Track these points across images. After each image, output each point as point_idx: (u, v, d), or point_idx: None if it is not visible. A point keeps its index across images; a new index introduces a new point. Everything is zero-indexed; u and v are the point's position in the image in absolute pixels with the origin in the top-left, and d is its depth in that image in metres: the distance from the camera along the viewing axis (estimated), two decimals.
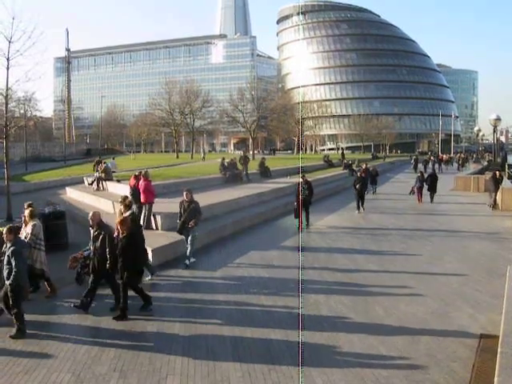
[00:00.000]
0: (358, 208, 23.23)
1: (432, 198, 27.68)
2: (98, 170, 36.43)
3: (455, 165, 68.02)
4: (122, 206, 12.20)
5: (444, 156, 71.66)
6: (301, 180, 19.43)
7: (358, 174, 25.22)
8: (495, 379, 5.72)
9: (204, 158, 63.34)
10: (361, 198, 23.40)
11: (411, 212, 23.86)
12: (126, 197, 13.27)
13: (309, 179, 20.53)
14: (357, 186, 23.39)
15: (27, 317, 8.92)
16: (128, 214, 11.83)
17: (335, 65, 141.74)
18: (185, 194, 13.73)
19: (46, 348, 8.14)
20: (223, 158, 32.93)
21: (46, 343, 8.34)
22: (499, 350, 6.40)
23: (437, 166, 56.55)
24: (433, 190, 27.86)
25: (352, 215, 22.56)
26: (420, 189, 27.67)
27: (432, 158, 64.84)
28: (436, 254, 14.56)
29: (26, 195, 29.58)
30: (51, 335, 8.71)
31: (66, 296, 10.91)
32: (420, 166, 49.39)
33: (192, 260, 13.34)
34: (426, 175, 29.81)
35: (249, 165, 32.56)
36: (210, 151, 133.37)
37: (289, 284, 11.47)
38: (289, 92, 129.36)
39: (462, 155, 75.77)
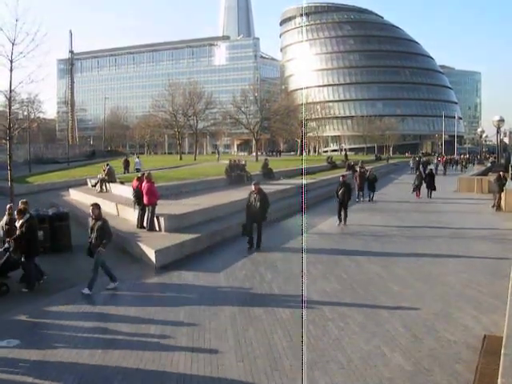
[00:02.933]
0: (339, 218, 19.99)
1: (430, 194, 30.17)
2: (126, 168, 39.26)
3: (455, 166, 67.70)
4: (15, 213, 11.74)
5: (445, 157, 71.11)
6: (252, 188, 15.99)
7: (340, 178, 20.88)
8: (499, 381, 5.69)
9: (219, 158, 64.26)
10: (343, 208, 19.98)
11: (414, 213, 23.83)
12: (22, 202, 12.42)
13: (263, 189, 16.54)
14: (338, 193, 19.89)
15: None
16: (21, 222, 11.46)
17: (338, 66, 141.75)
18: (91, 209, 11.67)
19: (50, 348, 8.16)
20: (230, 160, 32.96)
21: (50, 343, 8.37)
22: (503, 351, 6.37)
23: (440, 167, 56.49)
24: (431, 187, 30.31)
25: (354, 217, 22.51)
26: (418, 186, 30.41)
27: (438, 159, 64.86)
28: (439, 255, 14.52)
29: (29, 197, 29.66)
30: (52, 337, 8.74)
31: (67, 298, 10.95)
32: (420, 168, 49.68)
33: (86, 292, 11.02)
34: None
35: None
36: (213, 152, 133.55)
37: (292, 285, 11.47)
38: (292, 93, 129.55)
39: (464, 156, 75.50)
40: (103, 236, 11.17)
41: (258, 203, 15.28)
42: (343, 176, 21.18)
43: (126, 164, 41.54)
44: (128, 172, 38.60)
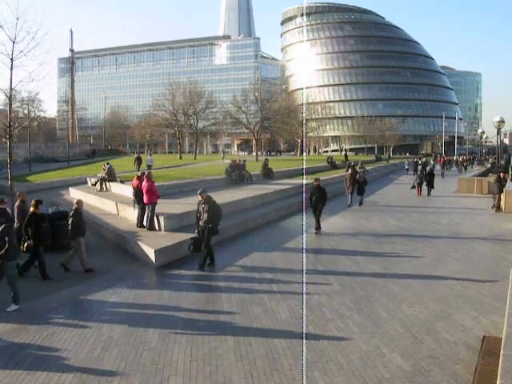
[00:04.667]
0: (317, 226, 18.17)
1: (429, 192, 31.82)
2: (139, 166, 41.23)
3: (454, 167, 67.37)
4: None
5: (442, 158, 70.38)
6: (199, 198, 13.80)
7: (314, 182, 18.82)
8: (498, 381, 5.69)
9: (224, 157, 64.88)
10: (317, 216, 18.14)
11: (414, 214, 23.80)
12: None
13: (213, 198, 13.99)
14: (312, 200, 18.18)
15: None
16: None
17: (339, 66, 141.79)
18: None
19: (48, 348, 8.16)
20: (233, 161, 32.93)
21: (47, 344, 8.37)
22: (502, 352, 6.37)
23: (437, 168, 56.43)
24: (430, 185, 31.96)
25: (354, 217, 22.52)
26: (419, 184, 32.00)
27: (439, 159, 64.66)
28: (439, 256, 14.53)
29: (29, 195, 29.60)
30: (52, 335, 8.74)
31: (68, 296, 10.95)
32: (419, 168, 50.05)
33: (13, 308, 9.90)
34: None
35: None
36: (213, 152, 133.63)
37: (291, 285, 11.47)
38: (292, 93, 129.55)
39: (464, 157, 75.07)
40: (3, 245, 9.90)
41: (206, 215, 13.22)
42: (316, 180, 18.90)
43: (139, 161, 43.32)
44: (139, 169, 39.89)
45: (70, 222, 13.00)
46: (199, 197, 13.73)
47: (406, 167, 58.66)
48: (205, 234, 13.18)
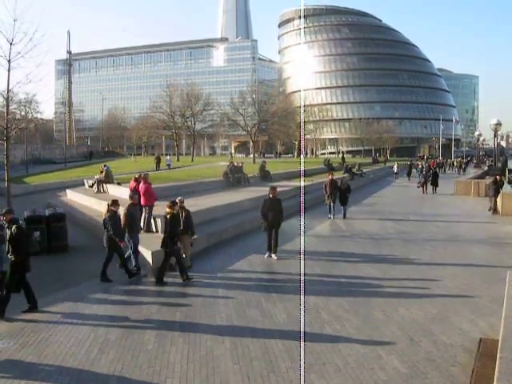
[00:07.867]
0: (269, 248, 14.54)
1: (434, 190, 34.58)
2: (158, 165, 43.97)
3: (448, 171, 67.26)
4: None
5: (436, 160, 69.43)
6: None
7: (270, 194, 14.76)
8: None
9: (231, 159, 65.25)
10: (273, 235, 14.51)
11: (411, 217, 23.83)
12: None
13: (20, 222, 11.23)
14: (267, 215, 14.39)
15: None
16: None
17: (336, 69, 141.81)
18: None
19: (45, 350, 8.13)
20: (232, 163, 32.80)
21: (44, 345, 8.34)
22: (498, 354, 6.38)
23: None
24: (435, 184, 34.69)
25: (351, 219, 22.49)
26: (424, 183, 34.98)
27: (421, 164, 64.19)
28: (436, 259, 14.54)
29: (26, 197, 29.69)
30: (50, 337, 8.72)
31: (66, 297, 10.92)
32: (414, 171, 50.62)
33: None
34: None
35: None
36: (210, 154, 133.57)
37: (288, 287, 11.46)
38: (290, 96, 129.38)
39: (461, 159, 74.89)
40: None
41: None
42: (273, 189, 14.89)
43: (158, 161, 48.64)
44: (159, 168, 42.02)
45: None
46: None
47: (396, 171, 53.58)
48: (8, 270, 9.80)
